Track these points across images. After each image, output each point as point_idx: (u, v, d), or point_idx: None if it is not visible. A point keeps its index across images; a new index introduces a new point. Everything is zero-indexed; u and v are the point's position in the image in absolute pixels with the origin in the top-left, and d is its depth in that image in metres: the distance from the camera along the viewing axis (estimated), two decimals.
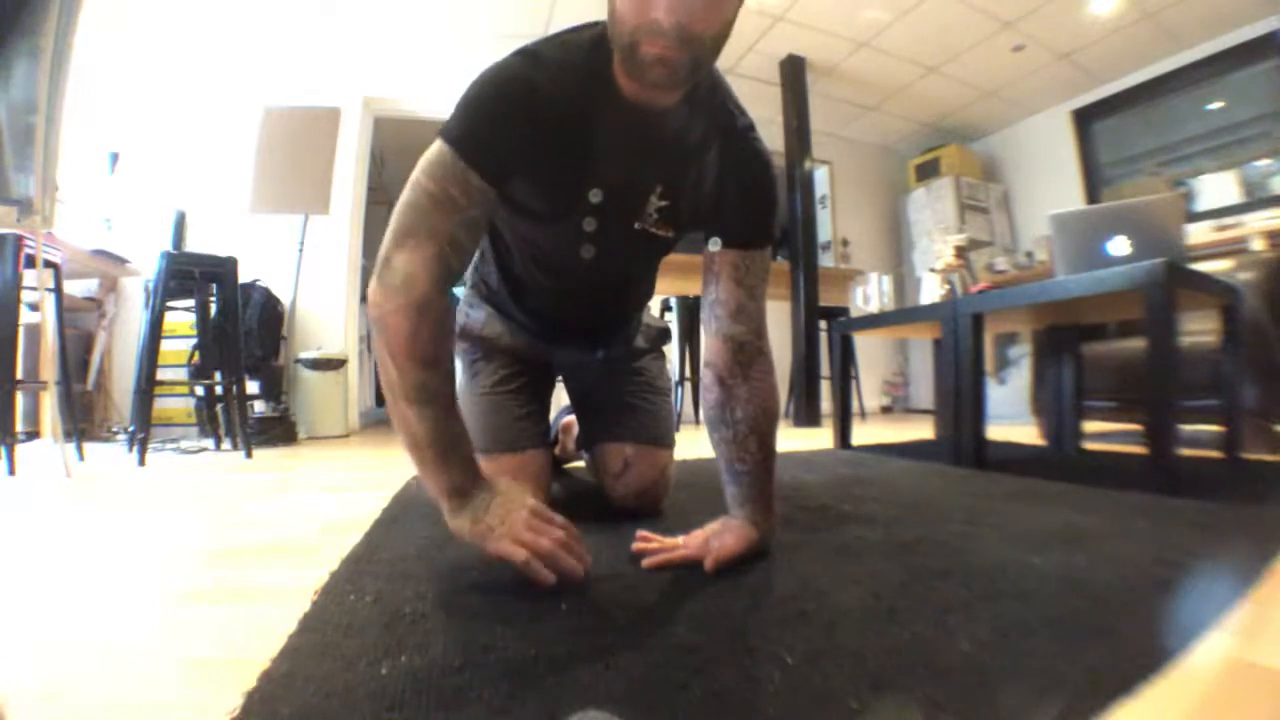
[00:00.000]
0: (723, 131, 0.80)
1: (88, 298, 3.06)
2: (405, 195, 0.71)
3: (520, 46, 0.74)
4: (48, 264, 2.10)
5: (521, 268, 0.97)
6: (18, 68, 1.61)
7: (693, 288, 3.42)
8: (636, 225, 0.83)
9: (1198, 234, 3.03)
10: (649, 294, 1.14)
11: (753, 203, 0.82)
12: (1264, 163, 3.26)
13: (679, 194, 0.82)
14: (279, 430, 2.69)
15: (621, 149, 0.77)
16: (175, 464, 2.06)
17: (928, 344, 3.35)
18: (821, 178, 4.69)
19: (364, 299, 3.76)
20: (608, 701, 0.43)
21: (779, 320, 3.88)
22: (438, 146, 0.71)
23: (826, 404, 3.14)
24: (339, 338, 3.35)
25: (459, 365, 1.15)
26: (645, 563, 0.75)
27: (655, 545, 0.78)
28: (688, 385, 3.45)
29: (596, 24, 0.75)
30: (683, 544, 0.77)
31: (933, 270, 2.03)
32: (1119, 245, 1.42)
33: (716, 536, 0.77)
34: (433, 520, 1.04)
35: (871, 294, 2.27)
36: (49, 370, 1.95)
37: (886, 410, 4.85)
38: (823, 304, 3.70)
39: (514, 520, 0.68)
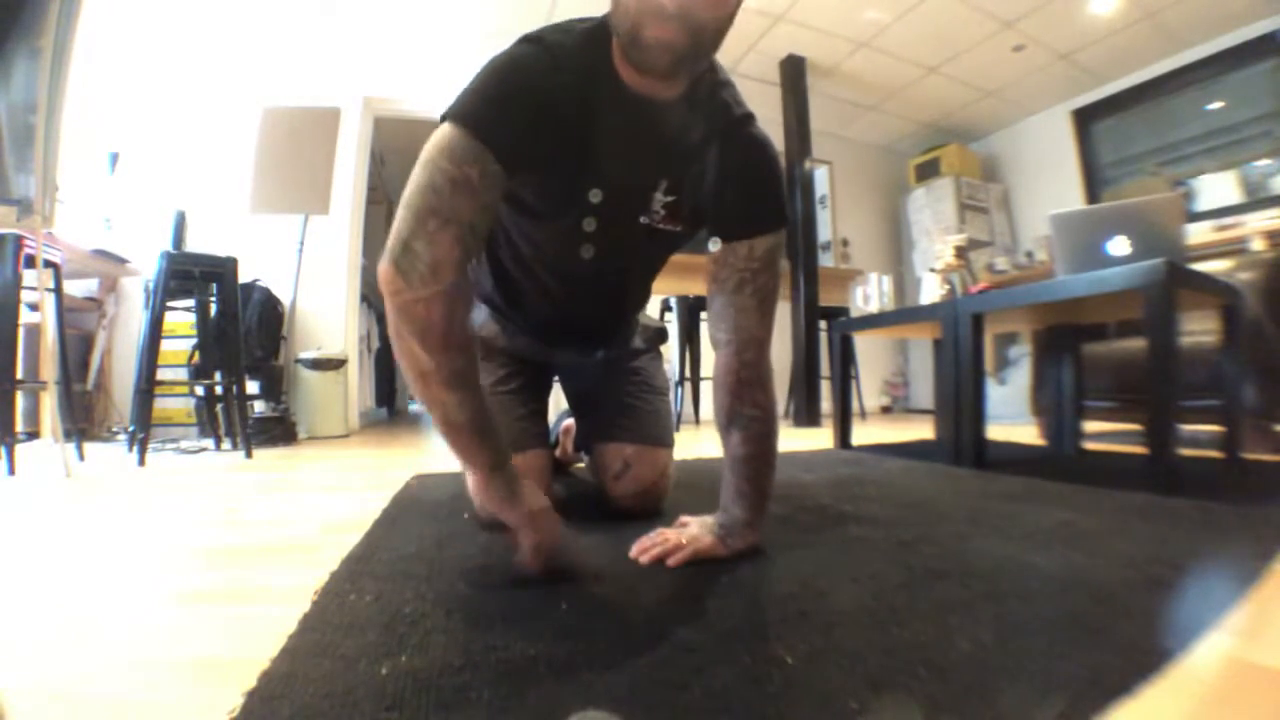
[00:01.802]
0: (722, 125, 0.80)
1: (88, 298, 3.06)
2: (419, 176, 0.68)
3: (524, 34, 0.74)
4: (48, 264, 2.10)
5: (521, 268, 0.96)
6: (18, 68, 1.61)
7: (693, 288, 3.42)
8: (642, 219, 0.83)
9: (1198, 234, 3.03)
10: (647, 295, 1.14)
11: (757, 188, 0.81)
12: (1264, 163, 3.26)
13: (684, 189, 0.82)
14: (279, 430, 2.69)
15: (624, 143, 0.76)
16: (175, 464, 2.06)
17: (928, 344, 3.35)
18: (821, 178, 4.69)
19: (363, 298, 3.77)
20: (608, 701, 0.43)
21: (780, 320, 3.86)
22: (449, 129, 0.68)
23: (826, 404, 3.14)
24: (339, 338, 3.35)
25: None
26: (643, 559, 0.77)
27: (652, 545, 0.79)
28: (687, 385, 3.45)
29: (593, 18, 0.75)
30: (672, 537, 0.79)
31: (933, 270, 2.03)
32: (1119, 245, 1.42)
33: (698, 536, 0.79)
34: (433, 520, 1.05)
35: (871, 294, 2.26)
36: (49, 370, 1.95)
37: (886, 410, 4.85)
38: (823, 304, 3.69)
39: (537, 507, 0.71)
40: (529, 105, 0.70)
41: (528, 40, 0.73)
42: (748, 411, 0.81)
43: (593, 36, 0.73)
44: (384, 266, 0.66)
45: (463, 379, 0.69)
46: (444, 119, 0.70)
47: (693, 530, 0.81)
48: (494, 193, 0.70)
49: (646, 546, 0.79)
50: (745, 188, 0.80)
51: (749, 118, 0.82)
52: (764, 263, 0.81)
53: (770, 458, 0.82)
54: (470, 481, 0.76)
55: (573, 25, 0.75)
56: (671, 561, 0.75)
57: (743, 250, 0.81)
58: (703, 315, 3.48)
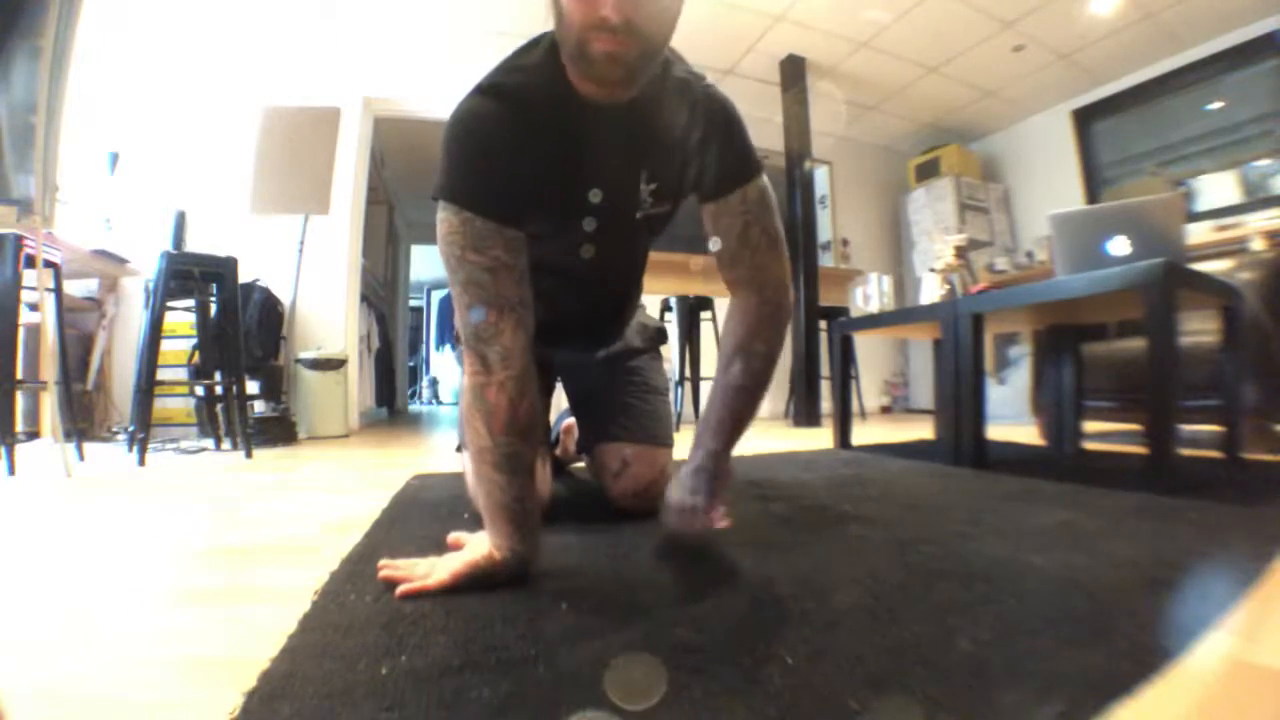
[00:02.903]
0: (685, 101, 0.80)
1: (88, 298, 3.06)
2: (456, 271, 0.72)
3: (477, 84, 0.75)
4: (48, 264, 2.09)
5: None
6: (18, 68, 1.61)
7: (693, 287, 3.43)
8: (639, 215, 0.85)
9: (1198, 234, 3.03)
10: (640, 288, 1.14)
11: (727, 143, 0.82)
12: (1264, 163, 3.26)
13: (664, 171, 0.83)
14: (279, 430, 2.69)
15: (604, 149, 0.78)
16: (175, 464, 2.06)
17: (928, 344, 3.35)
18: (821, 178, 4.69)
19: (363, 298, 3.77)
20: (608, 702, 0.43)
21: None
22: (453, 217, 0.72)
23: (826, 404, 3.14)
24: (339, 338, 3.35)
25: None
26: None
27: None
28: (687, 385, 3.45)
29: (541, 37, 0.76)
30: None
31: (933, 270, 2.03)
32: (1119, 245, 1.42)
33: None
34: (433, 520, 1.05)
35: (871, 294, 2.26)
36: (49, 370, 1.95)
37: (886, 410, 4.85)
38: (823, 304, 3.69)
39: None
40: (505, 162, 0.72)
41: (481, 91, 0.74)
42: (759, 348, 0.83)
43: (546, 62, 0.74)
44: (467, 353, 0.72)
45: (516, 463, 0.71)
46: (436, 199, 0.73)
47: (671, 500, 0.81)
48: (521, 253, 0.74)
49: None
50: (717, 147, 0.81)
51: (703, 83, 0.82)
52: (761, 205, 0.83)
53: (760, 395, 0.85)
54: (470, 482, 0.76)
55: (521, 60, 0.76)
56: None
57: (736, 199, 0.83)
58: (703, 315, 3.48)
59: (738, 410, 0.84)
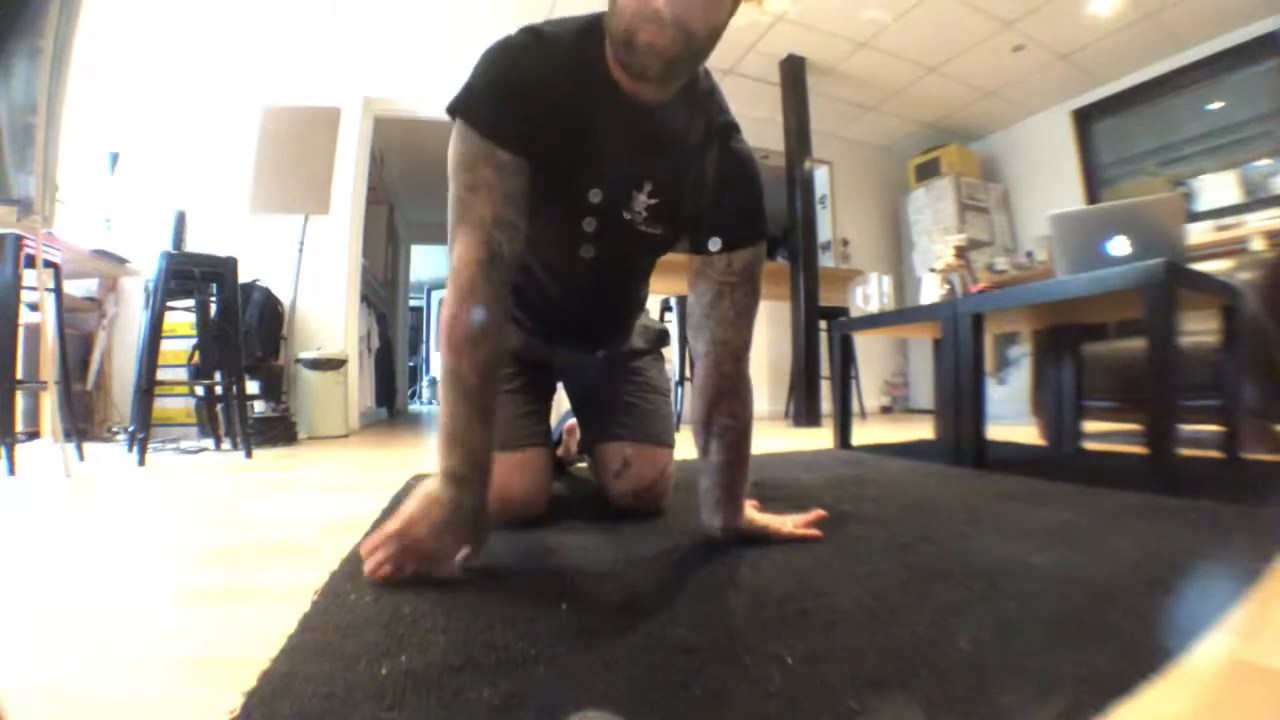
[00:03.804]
0: (707, 133, 0.81)
1: (88, 298, 3.06)
2: (450, 188, 0.75)
3: (523, 25, 0.77)
4: (48, 264, 2.09)
5: (521, 270, 0.97)
6: (18, 68, 1.61)
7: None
8: (625, 215, 0.84)
9: (1198, 234, 3.03)
10: (644, 297, 1.15)
11: (737, 199, 0.83)
12: (1264, 163, 3.26)
13: (668, 192, 0.83)
14: (279, 430, 2.69)
15: (612, 139, 0.78)
16: (175, 464, 2.06)
17: (928, 344, 3.34)
18: (821, 178, 4.69)
19: (363, 298, 3.77)
20: (608, 701, 0.43)
21: (779, 320, 3.88)
22: (460, 129, 0.73)
23: (826, 404, 3.14)
24: (339, 338, 3.35)
25: None
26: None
27: None
28: (687, 385, 3.45)
29: (596, 15, 0.77)
30: None
31: (933, 270, 2.03)
32: (1119, 245, 1.42)
33: None
34: None
35: (871, 294, 2.26)
36: (49, 370, 1.95)
37: (886, 410, 4.85)
38: (823, 304, 3.69)
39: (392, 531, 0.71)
40: (523, 89, 0.73)
41: (525, 29, 0.76)
42: (724, 421, 0.84)
43: (587, 33, 0.76)
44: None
45: (453, 379, 0.72)
46: (450, 112, 0.74)
47: None
48: (517, 178, 0.74)
49: None
50: (726, 199, 0.82)
51: (733, 128, 0.83)
52: (742, 276, 0.83)
53: (745, 462, 0.87)
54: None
55: (567, 22, 0.78)
56: None
57: (721, 263, 0.83)
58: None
59: (729, 485, 0.85)
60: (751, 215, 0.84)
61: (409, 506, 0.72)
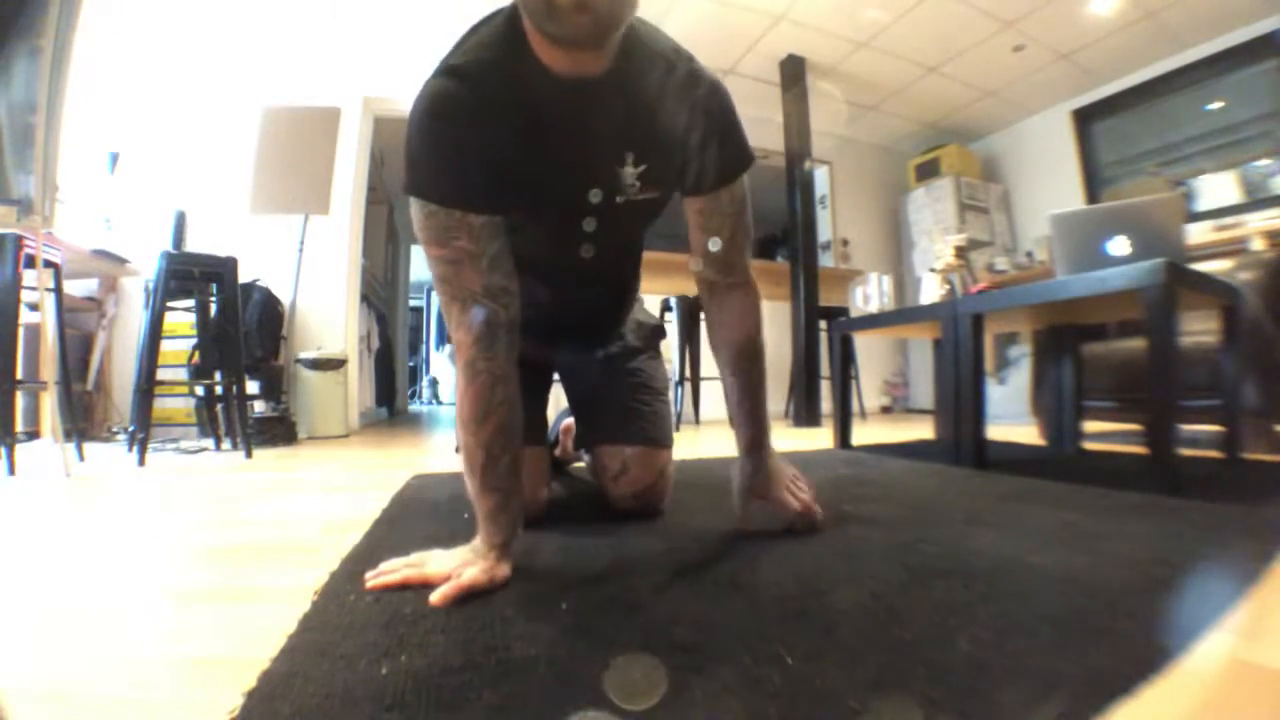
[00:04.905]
0: (670, 78, 0.77)
1: (88, 298, 3.06)
2: (431, 267, 0.74)
3: (436, 66, 0.73)
4: (48, 264, 2.09)
5: (519, 271, 0.96)
6: (18, 68, 1.61)
7: (693, 288, 3.42)
8: (619, 199, 0.81)
9: (1198, 234, 3.03)
10: (638, 283, 1.14)
11: (722, 133, 0.80)
12: (1264, 163, 3.26)
13: (653, 151, 0.79)
14: (279, 430, 2.69)
15: (583, 133, 0.75)
16: (175, 464, 2.06)
17: (928, 344, 3.34)
18: (821, 178, 4.69)
19: (363, 298, 3.77)
20: (608, 702, 0.43)
21: (780, 320, 3.88)
22: (420, 208, 0.71)
23: (826, 404, 3.14)
24: (339, 338, 3.35)
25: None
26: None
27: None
28: (687, 385, 3.45)
29: (494, 13, 0.73)
30: None
31: (933, 270, 2.03)
32: (1119, 245, 1.42)
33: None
34: (433, 520, 1.05)
35: (871, 294, 2.26)
36: (49, 370, 1.95)
37: (886, 410, 4.85)
38: (823, 304, 3.69)
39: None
40: (467, 141, 0.70)
41: (443, 72, 0.71)
42: (761, 343, 0.92)
43: (507, 35, 0.70)
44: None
45: (467, 455, 0.74)
46: (406, 193, 0.72)
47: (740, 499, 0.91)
48: (496, 237, 0.73)
49: None
50: (712, 135, 0.80)
51: (692, 62, 0.79)
52: (742, 203, 0.86)
53: (763, 389, 0.92)
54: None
55: (482, 31, 0.73)
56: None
57: (725, 196, 0.84)
58: (703, 315, 3.47)
59: (739, 404, 0.91)
60: (738, 144, 0.82)
61: (453, 585, 0.67)
